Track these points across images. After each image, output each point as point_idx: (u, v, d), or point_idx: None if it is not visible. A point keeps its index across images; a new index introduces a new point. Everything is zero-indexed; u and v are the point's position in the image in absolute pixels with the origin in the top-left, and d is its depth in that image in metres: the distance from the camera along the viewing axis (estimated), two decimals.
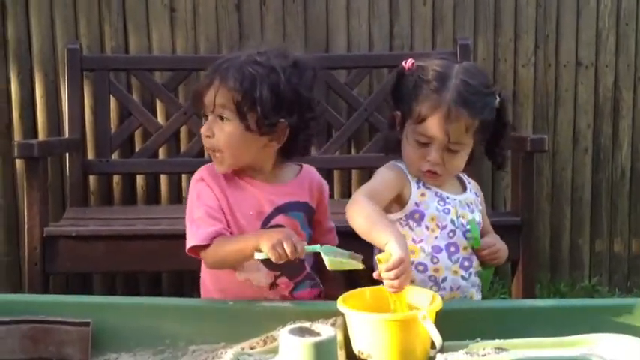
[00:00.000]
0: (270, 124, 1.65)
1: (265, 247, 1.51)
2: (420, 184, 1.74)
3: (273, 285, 1.72)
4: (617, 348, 1.34)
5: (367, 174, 3.26)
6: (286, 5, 3.19)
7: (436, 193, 1.74)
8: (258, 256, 1.53)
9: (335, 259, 1.54)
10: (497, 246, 1.76)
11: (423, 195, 1.72)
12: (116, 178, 3.15)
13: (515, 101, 3.30)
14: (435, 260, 1.69)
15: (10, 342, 1.52)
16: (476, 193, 1.83)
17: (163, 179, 3.18)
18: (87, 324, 1.54)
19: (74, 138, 2.95)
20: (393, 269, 1.46)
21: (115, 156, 3.08)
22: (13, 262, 3.15)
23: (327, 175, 3.25)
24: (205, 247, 1.63)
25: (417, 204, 1.70)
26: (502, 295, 3.04)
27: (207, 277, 1.78)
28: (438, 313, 1.44)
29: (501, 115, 1.73)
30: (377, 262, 1.50)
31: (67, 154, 3.00)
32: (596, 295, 3.26)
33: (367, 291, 1.56)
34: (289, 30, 3.20)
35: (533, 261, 2.64)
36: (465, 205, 1.76)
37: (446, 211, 1.72)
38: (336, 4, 3.21)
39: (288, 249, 1.49)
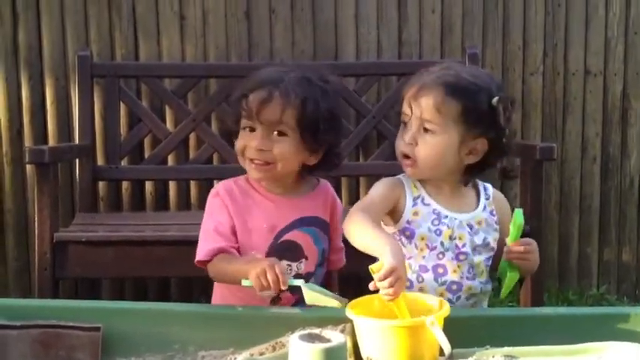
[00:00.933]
0: (321, 143, 1.70)
1: (251, 275, 1.53)
2: (417, 201, 1.70)
3: (275, 299, 1.72)
4: (627, 356, 1.34)
5: (375, 181, 3.24)
6: (295, 13, 3.20)
7: (434, 211, 1.69)
8: (245, 283, 1.54)
9: (313, 293, 1.54)
10: (534, 247, 1.66)
11: (416, 214, 1.69)
12: (125, 184, 3.17)
13: (524, 110, 3.30)
14: (421, 279, 1.67)
15: (21, 347, 1.52)
16: (492, 212, 1.74)
17: (172, 185, 3.19)
18: (97, 329, 1.54)
19: (84, 144, 2.97)
20: (385, 279, 1.45)
21: (124, 162, 3.09)
22: (23, 267, 3.17)
23: (335, 182, 3.25)
24: (209, 260, 1.69)
25: (408, 221, 1.68)
26: (510, 303, 3.04)
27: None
28: (446, 320, 1.44)
29: (496, 117, 1.65)
30: (372, 274, 1.50)
31: (77, 160, 3.02)
32: (604, 303, 3.25)
33: (375, 298, 1.56)
34: (298, 37, 3.22)
35: (541, 269, 2.63)
36: (467, 226, 1.70)
37: (437, 232, 1.68)
38: (345, 11, 3.22)
39: (271, 279, 1.50)
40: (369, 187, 3.23)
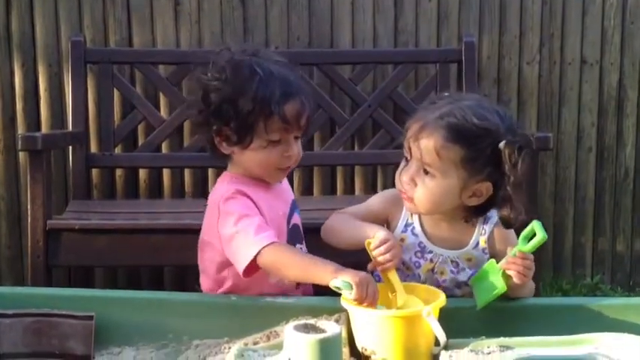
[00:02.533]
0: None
1: (351, 279, 1.43)
2: (408, 229, 1.69)
3: (299, 284, 1.72)
4: (623, 347, 1.34)
5: (370, 170, 3.26)
6: (291, 0, 3.18)
7: (419, 244, 1.68)
8: (335, 283, 1.45)
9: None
10: (532, 266, 1.55)
11: (402, 240, 1.68)
12: (119, 172, 3.15)
13: (520, 99, 3.29)
14: None
15: (14, 335, 1.52)
16: (484, 250, 1.67)
17: (166, 173, 3.17)
18: (90, 317, 1.54)
19: (77, 131, 2.95)
20: (379, 245, 1.51)
21: (118, 149, 3.07)
22: (16, 254, 3.15)
23: (331, 171, 3.25)
24: (265, 247, 1.56)
25: None
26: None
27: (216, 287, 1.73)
28: (442, 311, 1.44)
29: (500, 162, 1.55)
30: (368, 250, 1.53)
31: (70, 147, 2.99)
32: (598, 293, 3.26)
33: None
34: (294, 25, 3.19)
35: (535, 259, 2.63)
36: (450, 263, 1.67)
37: (417, 264, 1.68)
38: None
39: (371, 292, 1.44)
40: (364, 175, 3.25)
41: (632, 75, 3.31)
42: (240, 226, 1.59)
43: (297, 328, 1.17)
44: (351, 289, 1.42)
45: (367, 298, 1.43)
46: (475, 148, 1.56)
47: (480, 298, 1.56)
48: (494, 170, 1.57)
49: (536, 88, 3.30)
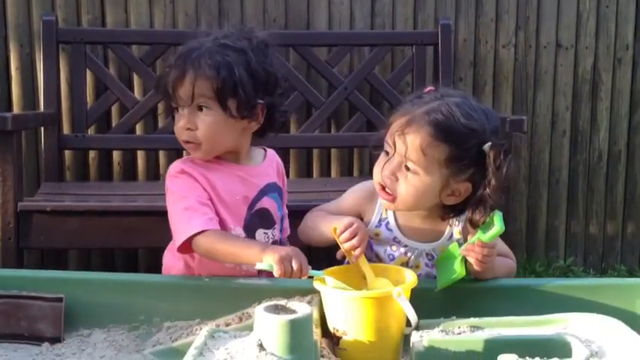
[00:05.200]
0: (251, 107, 1.65)
1: (272, 259, 1.46)
2: (382, 223, 1.69)
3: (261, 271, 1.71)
4: (591, 327, 1.35)
5: (347, 153, 3.25)
6: None
7: (394, 238, 1.68)
8: (260, 266, 1.47)
9: (338, 283, 1.48)
10: (491, 253, 1.54)
11: (377, 235, 1.69)
12: (92, 154, 3.11)
13: (495, 82, 3.30)
14: None
15: None
16: (459, 241, 1.66)
17: (140, 155, 3.14)
18: (60, 300, 1.52)
19: (49, 112, 2.90)
20: (344, 230, 1.51)
21: (91, 131, 3.03)
22: None
23: (307, 153, 3.24)
24: (198, 234, 1.58)
25: (369, 237, 1.66)
26: None
27: (180, 263, 1.73)
28: (413, 291, 1.44)
29: (483, 164, 1.53)
30: (334, 236, 1.54)
31: (42, 129, 2.95)
32: (570, 275, 3.30)
33: (345, 269, 1.56)
34: (269, 6, 3.16)
35: (508, 241, 2.64)
36: (426, 256, 1.68)
37: (391, 257, 1.68)
38: None
39: (295, 266, 1.45)
40: (340, 158, 3.24)
41: (607, 59, 3.33)
42: (174, 208, 1.63)
43: (268, 309, 1.16)
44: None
45: (294, 273, 1.45)
46: (461, 147, 1.54)
47: (440, 279, 1.56)
48: (477, 171, 1.55)
49: (511, 72, 3.31)
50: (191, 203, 1.61)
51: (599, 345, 1.28)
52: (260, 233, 1.72)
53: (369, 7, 3.21)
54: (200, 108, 1.63)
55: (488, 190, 1.53)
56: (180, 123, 1.65)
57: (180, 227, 1.60)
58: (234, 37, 1.67)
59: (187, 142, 1.67)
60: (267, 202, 1.75)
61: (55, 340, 1.50)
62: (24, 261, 2.52)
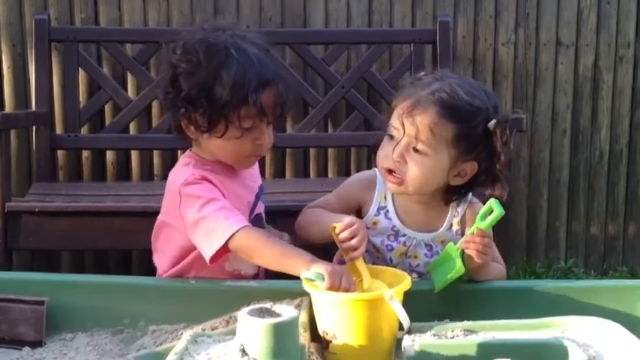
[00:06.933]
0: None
1: (323, 270, 1.37)
2: (381, 212, 1.66)
3: (256, 275, 1.68)
4: (590, 331, 1.31)
5: (344, 152, 3.21)
6: None
7: (393, 227, 1.65)
8: (306, 274, 1.39)
9: None
10: (490, 243, 1.53)
11: (375, 224, 1.66)
12: (85, 154, 3.07)
13: (494, 80, 3.26)
14: None
15: None
16: (457, 231, 1.64)
17: (134, 155, 3.10)
18: (41, 303, 1.48)
19: (41, 111, 2.86)
20: (344, 229, 1.46)
21: (84, 130, 2.99)
22: None
23: (303, 153, 3.19)
24: (238, 231, 1.49)
25: (367, 227, 1.62)
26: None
27: (170, 268, 1.67)
28: (406, 294, 1.39)
29: (492, 142, 1.54)
30: (333, 235, 1.49)
31: (34, 128, 2.91)
32: (571, 276, 3.25)
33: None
34: (265, 4, 3.12)
35: (508, 242, 2.61)
36: (425, 246, 1.65)
37: (389, 247, 1.65)
38: None
39: (344, 284, 1.38)
40: (337, 158, 3.20)
41: (608, 56, 3.29)
42: (206, 211, 1.52)
43: (252, 312, 1.12)
44: (323, 280, 1.36)
45: (341, 289, 1.37)
46: (468, 125, 1.54)
47: (438, 280, 1.51)
48: (483, 149, 1.56)
49: (511, 70, 3.26)
50: (224, 204, 1.54)
51: (597, 349, 1.24)
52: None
53: (366, 5, 3.17)
54: (268, 123, 1.62)
55: (498, 166, 1.55)
56: (267, 138, 1.63)
57: (219, 226, 1.50)
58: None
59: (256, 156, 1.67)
60: (260, 207, 1.71)
61: (37, 344, 1.46)
62: (13, 263, 2.48)
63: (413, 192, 1.60)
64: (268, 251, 1.50)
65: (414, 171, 1.56)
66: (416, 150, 1.55)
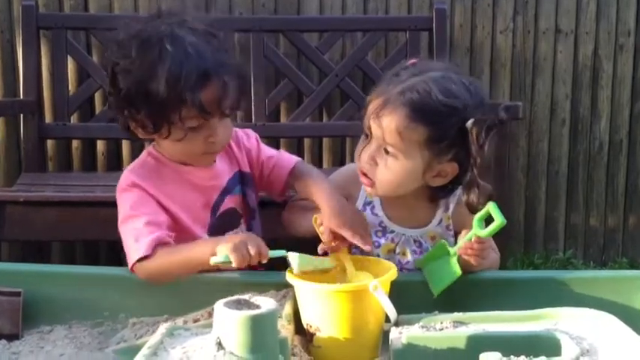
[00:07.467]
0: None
1: (226, 249, 1.33)
2: (367, 207, 1.61)
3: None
4: (584, 323, 1.26)
5: (338, 142, 3.16)
6: None
7: (380, 223, 1.60)
8: (215, 260, 1.34)
9: (304, 258, 1.37)
10: (488, 247, 1.48)
11: None
12: (75, 143, 3.02)
13: (492, 69, 3.20)
14: None
15: None
16: (448, 226, 1.61)
17: (125, 145, 3.04)
18: (17, 294, 1.43)
19: (28, 99, 2.81)
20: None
21: (73, 119, 2.94)
22: None
23: (297, 143, 3.14)
24: (146, 258, 1.44)
25: None
26: None
27: None
28: (393, 285, 1.34)
29: (466, 142, 1.44)
30: (315, 226, 1.46)
31: (22, 117, 2.85)
32: (570, 267, 3.20)
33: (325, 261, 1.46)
34: None
35: (506, 233, 2.55)
36: (413, 243, 1.59)
37: (376, 244, 1.59)
38: None
39: (252, 251, 1.33)
40: (331, 147, 3.15)
41: (608, 45, 3.23)
42: (125, 228, 1.49)
43: (229, 304, 1.06)
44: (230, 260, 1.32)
45: (252, 258, 1.33)
46: (440, 127, 1.45)
47: (436, 284, 1.45)
48: (461, 150, 1.47)
49: (509, 58, 3.21)
50: (137, 225, 1.47)
51: (590, 342, 1.18)
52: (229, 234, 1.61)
53: None
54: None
55: (475, 170, 1.44)
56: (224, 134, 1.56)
57: (131, 251, 1.46)
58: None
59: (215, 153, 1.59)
60: (231, 201, 1.63)
61: (13, 337, 1.41)
62: (3, 254, 2.44)
63: (383, 195, 1.55)
64: (174, 265, 1.43)
65: (383, 174, 1.50)
66: (387, 152, 1.49)
